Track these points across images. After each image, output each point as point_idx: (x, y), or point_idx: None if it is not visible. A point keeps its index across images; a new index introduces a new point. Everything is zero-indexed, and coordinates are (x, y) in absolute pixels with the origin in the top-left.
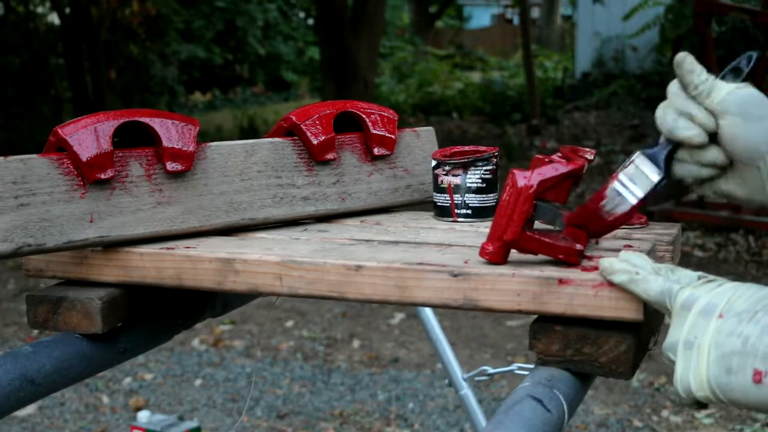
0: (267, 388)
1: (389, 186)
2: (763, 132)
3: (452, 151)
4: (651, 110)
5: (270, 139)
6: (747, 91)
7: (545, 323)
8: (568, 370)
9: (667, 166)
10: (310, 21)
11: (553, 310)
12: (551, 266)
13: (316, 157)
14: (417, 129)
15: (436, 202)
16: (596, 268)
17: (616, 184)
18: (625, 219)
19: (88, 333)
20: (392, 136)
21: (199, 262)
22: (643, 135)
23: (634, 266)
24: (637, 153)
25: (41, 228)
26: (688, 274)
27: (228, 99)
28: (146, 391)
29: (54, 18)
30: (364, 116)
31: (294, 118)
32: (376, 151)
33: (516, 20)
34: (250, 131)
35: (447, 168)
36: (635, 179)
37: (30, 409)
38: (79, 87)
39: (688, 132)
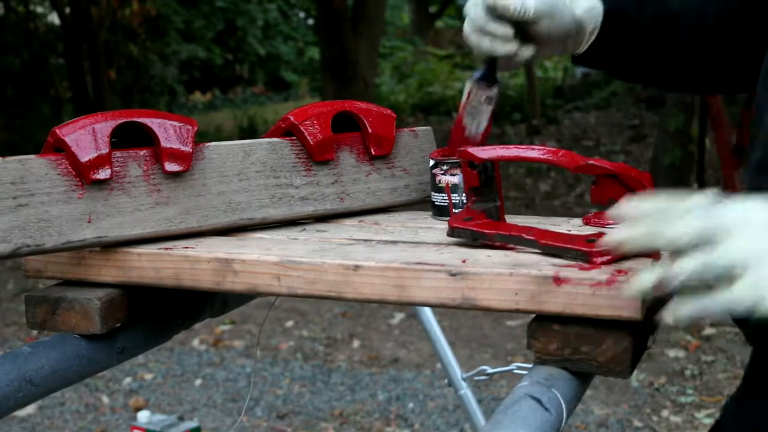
0: (267, 388)
1: (387, 186)
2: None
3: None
4: (651, 110)
5: (268, 140)
6: None
7: (543, 322)
8: (567, 370)
9: (493, 75)
10: (310, 21)
11: (551, 309)
12: (549, 265)
13: (314, 157)
14: (415, 129)
15: (434, 202)
16: (594, 267)
17: (468, 111)
18: (487, 130)
19: (87, 333)
20: (390, 136)
21: (197, 263)
22: (643, 135)
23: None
24: (468, 84)
25: (39, 228)
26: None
27: (228, 99)
28: (146, 391)
29: (54, 18)
30: (362, 116)
31: (292, 118)
32: (374, 150)
33: None
34: (249, 131)
35: (445, 167)
36: (480, 102)
37: (30, 409)
38: (79, 87)
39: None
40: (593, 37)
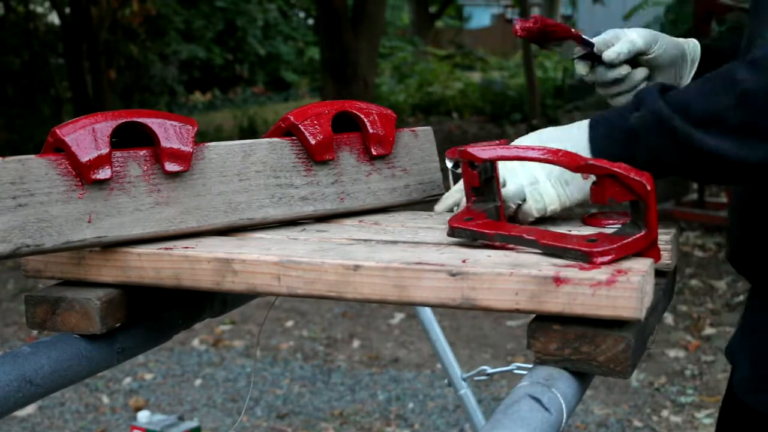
0: (267, 388)
1: (387, 186)
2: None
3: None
4: None
5: (268, 140)
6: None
7: (543, 322)
8: (567, 370)
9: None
10: (310, 21)
11: (551, 309)
12: (549, 265)
13: (314, 157)
14: (415, 129)
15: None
16: (594, 267)
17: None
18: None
19: (87, 333)
20: (390, 136)
21: (197, 263)
22: None
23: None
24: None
25: (39, 228)
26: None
27: (228, 99)
28: (146, 391)
29: (54, 18)
30: (362, 116)
31: (292, 118)
32: (374, 150)
33: None
34: (249, 131)
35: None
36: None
37: (30, 409)
38: (79, 87)
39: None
40: (695, 68)
